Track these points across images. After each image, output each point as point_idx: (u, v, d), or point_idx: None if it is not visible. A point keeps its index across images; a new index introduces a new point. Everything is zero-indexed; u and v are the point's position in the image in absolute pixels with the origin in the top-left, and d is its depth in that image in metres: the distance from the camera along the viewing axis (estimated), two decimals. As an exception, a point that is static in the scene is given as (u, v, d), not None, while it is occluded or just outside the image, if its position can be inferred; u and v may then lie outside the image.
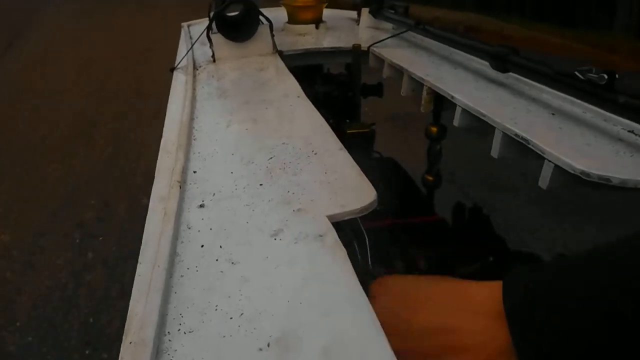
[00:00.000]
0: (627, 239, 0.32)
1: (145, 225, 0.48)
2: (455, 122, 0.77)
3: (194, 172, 0.59)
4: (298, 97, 0.81)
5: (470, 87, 0.81)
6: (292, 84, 0.88)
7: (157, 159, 0.62)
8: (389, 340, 0.36)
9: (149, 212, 0.51)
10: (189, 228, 0.48)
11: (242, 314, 0.37)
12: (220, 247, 0.45)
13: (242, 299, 0.38)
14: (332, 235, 0.45)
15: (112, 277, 2.29)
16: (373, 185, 0.53)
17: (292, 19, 1.33)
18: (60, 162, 3.46)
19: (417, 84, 0.91)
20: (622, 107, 0.57)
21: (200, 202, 0.52)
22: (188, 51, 1.09)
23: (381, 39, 1.14)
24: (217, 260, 0.43)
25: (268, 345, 0.34)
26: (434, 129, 0.95)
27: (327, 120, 0.71)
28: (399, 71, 0.98)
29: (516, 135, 0.62)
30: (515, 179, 2.79)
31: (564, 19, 7.18)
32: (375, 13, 1.32)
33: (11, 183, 3.18)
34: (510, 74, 0.81)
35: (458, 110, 0.76)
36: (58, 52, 6.77)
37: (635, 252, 0.31)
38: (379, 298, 0.43)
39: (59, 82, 5.42)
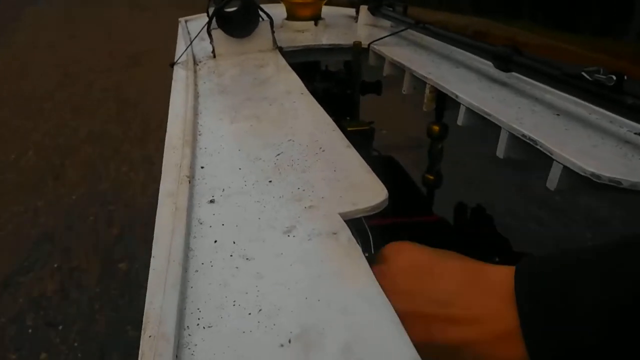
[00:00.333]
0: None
1: (156, 219, 0.48)
2: (459, 122, 0.77)
3: (202, 167, 0.58)
4: (301, 93, 0.81)
5: (474, 86, 0.81)
6: (294, 81, 0.87)
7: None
8: (395, 299, 0.36)
9: (158, 207, 0.50)
10: (201, 223, 0.47)
11: (260, 310, 0.36)
12: (234, 242, 0.44)
13: (259, 295, 0.38)
14: (346, 233, 0.45)
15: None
16: None
17: (291, 16, 1.32)
18: (23, 203, 2.82)
19: (419, 82, 0.91)
20: (631, 108, 0.57)
21: (210, 198, 0.52)
22: (188, 46, 1.08)
23: (380, 36, 1.14)
24: (231, 255, 0.43)
25: (289, 341, 0.34)
26: (436, 128, 0.95)
27: None
28: (399, 69, 0.98)
29: (523, 135, 0.63)
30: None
31: (585, 25, 6.39)
32: (373, 11, 1.31)
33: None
34: (513, 73, 0.82)
35: (462, 110, 0.76)
36: (38, 56, 6.24)
37: None
38: (392, 259, 0.43)
39: (35, 90, 4.89)
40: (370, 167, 0.57)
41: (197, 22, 1.40)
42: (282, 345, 0.33)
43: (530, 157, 0.64)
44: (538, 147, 0.60)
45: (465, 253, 0.42)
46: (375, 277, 0.40)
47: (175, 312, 0.35)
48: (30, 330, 1.88)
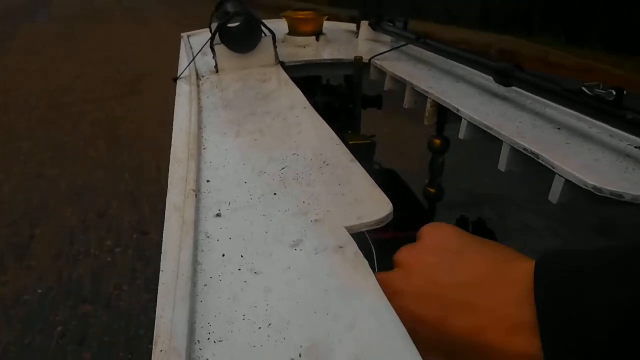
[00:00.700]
0: None
1: (164, 233, 0.48)
2: (461, 136, 0.78)
3: (208, 181, 0.59)
4: (304, 108, 0.82)
5: (475, 100, 0.82)
6: (297, 96, 0.88)
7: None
8: (418, 276, 0.37)
9: (166, 221, 0.51)
10: (208, 237, 0.48)
11: (270, 324, 0.37)
12: (242, 256, 0.45)
13: (269, 309, 0.38)
14: (353, 247, 0.45)
15: None
16: None
17: (293, 31, 1.34)
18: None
19: (420, 97, 0.92)
20: (631, 123, 0.58)
21: (217, 212, 0.52)
22: (191, 62, 1.09)
23: (380, 51, 1.15)
24: (239, 269, 0.43)
25: (300, 355, 0.34)
26: (438, 142, 0.96)
27: None
28: (400, 84, 0.99)
29: (525, 149, 0.63)
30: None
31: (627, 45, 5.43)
32: (374, 26, 1.33)
33: None
34: (513, 88, 0.83)
35: (464, 124, 0.77)
36: (26, 83, 5.63)
37: None
38: (426, 237, 0.43)
39: (15, 127, 4.26)
40: (374, 180, 0.57)
41: (199, 38, 1.41)
42: None
43: (532, 170, 0.64)
44: (540, 161, 0.61)
45: None
46: (407, 253, 0.41)
47: (186, 327, 0.36)
48: None
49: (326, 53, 1.24)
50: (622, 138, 0.65)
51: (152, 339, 0.36)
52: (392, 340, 0.35)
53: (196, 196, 0.54)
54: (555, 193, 0.59)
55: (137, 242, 2.54)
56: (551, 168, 0.59)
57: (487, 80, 0.88)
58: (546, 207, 2.52)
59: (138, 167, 3.38)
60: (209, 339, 0.36)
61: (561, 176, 0.57)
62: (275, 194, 0.55)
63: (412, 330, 0.37)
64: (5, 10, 11.91)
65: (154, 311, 0.38)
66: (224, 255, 0.45)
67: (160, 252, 0.43)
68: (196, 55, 1.11)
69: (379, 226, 0.49)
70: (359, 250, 0.45)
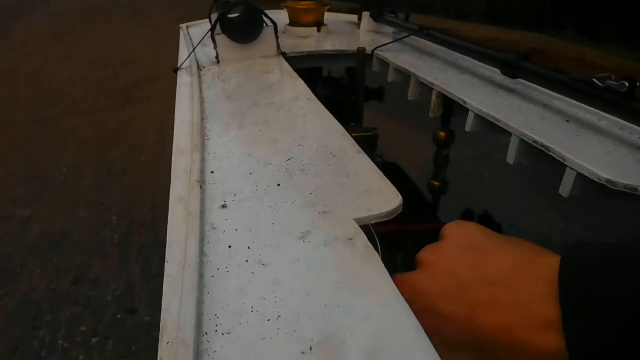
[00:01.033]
0: None
1: (168, 224, 0.47)
2: (468, 128, 0.77)
3: (212, 172, 0.58)
4: (309, 99, 0.80)
5: (481, 92, 0.81)
6: (301, 87, 0.87)
7: None
8: (444, 274, 0.37)
9: (170, 212, 0.50)
10: (214, 228, 0.47)
11: (279, 317, 0.36)
12: (249, 248, 0.44)
13: (278, 301, 0.37)
14: (362, 239, 0.44)
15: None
16: None
17: (294, 22, 1.32)
18: None
19: (425, 89, 0.90)
20: (645, 115, 0.57)
21: (222, 203, 0.51)
22: (192, 52, 1.07)
23: (382, 42, 1.14)
24: (246, 261, 0.42)
25: (310, 348, 0.33)
26: (443, 134, 0.95)
27: None
28: (404, 75, 0.98)
29: (535, 142, 0.62)
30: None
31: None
32: (376, 17, 1.32)
33: None
34: (519, 80, 0.81)
35: (471, 116, 0.76)
36: (14, 89, 4.98)
37: None
38: (450, 236, 0.42)
39: None
40: None
41: (198, 29, 1.40)
42: (303, 353, 0.33)
43: (542, 163, 0.63)
44: (551, 153, 0.59)
45: None
46: (430, 253, 0.40)
47: (194, 318, 0.35)
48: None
49: (328, 44, 1.22)
50: (633, 131, 0.64)
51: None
52: (405, 334, 0.34)
53: (201, 187, 0.53)
54: (566, 186, 0.58)
55: (122, 326, 1.90)
56: (562, 161, 0.58)
57: (492, 72, 0.87)
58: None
59: (129, 206, 2.75)
60: (216, 330, 0.35)
61: (573, 169, 0.56)
62: (281, 186, 0.54)
63: (439, 329, 0.36)
64: (1, 7, 11.33)
65: None
66: (230, 247, 0.44)
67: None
68: (197, 45, 1.10)
69: (388, 218, 0.48)
70: (369, 243, 0.44)
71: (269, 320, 0.35)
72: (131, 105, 4.50)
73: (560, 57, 4.98)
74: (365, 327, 0.35)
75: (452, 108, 0.88)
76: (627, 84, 0.59)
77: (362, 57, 1.10)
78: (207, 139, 0.67)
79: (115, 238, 2.46)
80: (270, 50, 1.08)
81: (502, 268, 0.37)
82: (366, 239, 0.44)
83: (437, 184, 0.99)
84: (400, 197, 0.50)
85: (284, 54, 1.09)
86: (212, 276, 0.40)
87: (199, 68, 1.02)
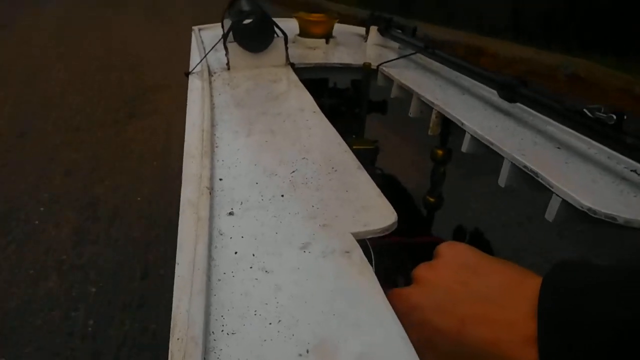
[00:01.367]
0: None
1: (179, 228, 0.51)
2: (464, 148, 0.80)
3: (220, 179, 0.61)
4: (314, 112, 0.84)
5: (479, 114, 0.84)
6: (307, 99, 0.90)
7: None
8: (437, 291, 0.40)
9: (180, 216, 0.53)
10: (221, 234, 0.50)
11: (280, 321, 0.39)
12: (253, 255, 0.47)
13: (279, 306, 0.41)
14: (358, 252, 0.48)
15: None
16: None
17: (304, 32, 1.36)
18: None
19: (426, 107, 0.94)
20: (630, 147, 0.60)
21: (230, 210, 0.55)
22: (203, 58, 1.11)
23: (388, 57, 1.17)
24: (251, 267, 0.45)
25: (307, 351, 0.36)
26: (440, 152, 0.98)
27: None
28: (407, 92, 1.02)
29: (525, 167, 0.66)
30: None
31: None
32: (383, 32, 1.35)
33: None
34: (517, 104, 0.85)
35: (467, 137, 0.79)
36: (1, 94, 4.33)
37: None
38: (443, 255, 0.45)
39: None
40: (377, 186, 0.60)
41: (210, 32, 1.43)
42: (300, 355, 0.36)
43: (531, 188, 0.67)
44: (539, 179, 0.63)
45: None
46: (425, 270, 0.44)
47: (202, 318, 0.38)
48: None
49: (335, 56, 1.26)
50: (619, 161, 0.67)
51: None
52: (393, 343, 0.38)
53: (210, 194, 0.57)
54: (551, 212, 0.61)
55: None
56: (549, 187, 0.61)
57: (492, 93, 0.90)
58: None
59: (113, 270, 2.15)
60: (222, 330, 0.38)
61: (558, 195, 0.60)
62: (285, 197, 0.58)
63: (432, 341, 0.40)
64: None
65: None
66: (236, 253, 0.47)
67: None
68: (208, 51, 1.13)
69: (383, 234, 0.52)
70: (364, 256, 0.47)
71: (270, 323, 0.39)
72: (133, 121, 3.86)
73: (603, 87, 4.40)
74: (357, 334, 0.38)
75: (450, 127, 0.91)
76: (614, 117, 0.63)
77: (368, 72, 1.14)
78: (216, 146, 0.71)
79: (88, 325, 1.86)
80: (280, 59, 1.12)
81: (492, 285, 0.40)
82: (362, 252, 0.48)
83: (432, 199, 1.03)
84: (395, 214, 0.54)
85: (292, 64, 1.13)
86: (219, 280, 0.44)
87: (210, 73, 1.05)
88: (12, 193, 2.78)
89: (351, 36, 1.50)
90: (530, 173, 0.65)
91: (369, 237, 0.51)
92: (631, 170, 0.65)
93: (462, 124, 0.80)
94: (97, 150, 3.35)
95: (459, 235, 0.91)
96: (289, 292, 0.42)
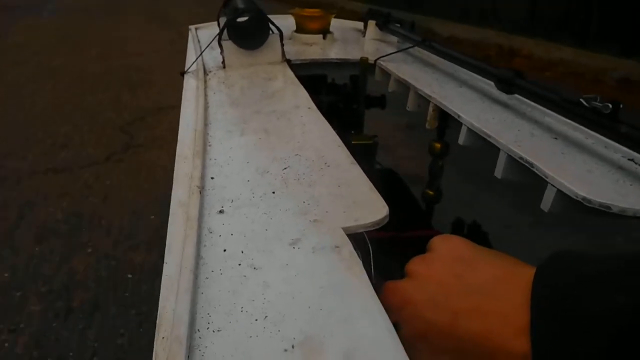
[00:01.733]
0: None
1: (168, 227, 0.51)
2: (460, 141, 0.80)
3: (212, 178, 0.61)
4: (309, 108, 0.83)
5: (476, 106, 0.84)
6: (302, 95, 0.90)
7: None
8: (430, 283, 0.40)
9: (170, 216, 0.53)
10: (211, 232, 0.50)
11: (266, 317, 0.39)
12: (242, 252, 0.47)
13: (266, 302, 0.40)
14: (348, 247, 0.47)
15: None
16: None
17: (300, 29, 1.35)
18: None
19: (423, 100, 0.93)
20: (624, 136, 0.60)
21: (220, 208, 0.54)
22: (198, 57, 1.11)
23: (387, 52, 1.16)
24: (239, 264, 0.45)
25: (292, 347, 0.36)
26: (438, 145, 0.98)
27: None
28: (404, 86, 1.01)
29: (521, 158, 0.65)
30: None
31: None
32: (381, 26, 1.34)
33: None
34: (515, 95, 0.84)
35: (464, 130, 0.79)
36: None
37: None
38: (436, 248, 0.45)
39: None
40: (372, 180, 0.59)
41: (207, 31, 1.43)
42: (285, 350, 0.36)
43: (527, 179, 0.66)
44: (534, 170, 0.62)
45: None
46: (418, 263, 0.43)
47: (188, 316, 0.38)
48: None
49: (332, 52, 1.25)
50: (616, 150, 0.67)
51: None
52: (380, 338, 0.37)
53: (200, 193, 0.56)
54: (547, 202, 0.60)
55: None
56: (544, 177, 0.61)
57: (490, 85, 0.89)
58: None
59: None
60: (208, 328, 0.38)
61: (553, 186, 0.59)
62: (277, 194, 0.57)
63: (425, 335, 0.39)
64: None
65: None
66: (225, 250, 0.47)
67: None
68: (203, 50, 1.13)
69: (374, 228, 0.51)
70: (354, 251, 0.47)
71: (256, 320, 0.39)
72: (127, 157, 3.17)
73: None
74: (344, 329, 0.38)
75: (447, 121, 0.91)
76: (610, 106, 0.62)
77: (365, 67, 1.13)
78: (209, 145, 0.71)
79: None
80: (275, 57, 1.11)
81: (484, 278, 0.39)
82: (352, 247, 0.47)
83: (431, 193, 1.02)
84: (386, 207, 0.53)
85: (288, 61, 1.12)
86: (207, 278, 0.43)
87: (205, 72, 1.05)
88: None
89: (349, 31, 1.50)
90: (525, 164, 0.64)
91: (359, 231, 0.51)
92: (628, 159, 0.64)
93: (459, 116, 0.80)
94: (77, 204, 2.63)
95: (457, 227, 0.91)
96: (277, 288, 0.42)
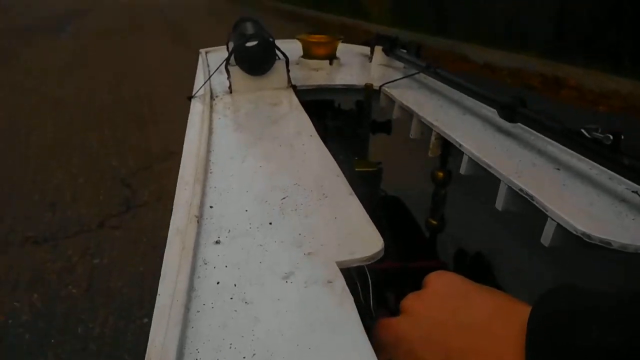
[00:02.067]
0: None
1: (164, 257, 0.50)
2: (462, 171, 0.79)
3: (211, 207, 0.61)
4: (310, 136, 0.84)
5: (478, 135, 0.83)
6: (305, 122, 0.90)
7: None
8: (425, 320, 0.40)
9: (167, 245, 0.53)
10: (205, 264, 0.50)
11: (254, 355, 0.38)
12: (235, 285, 0.46)
13: (254, 339, 0.40)
14: (341, 282, 0.47)
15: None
16: (379, 225, 0.55)
17: (307, 54, 1.36)
18: None
19: (427, 128, 0.93)
20: (627, 168, 0.59)
21: (216, 239, 0.54)
22: (205, 82, 1.12)
23: (392, 78, 1.17)
24: (231, 298, 0.45)
25: None
26: (440, 174, 0.97)
27: (337, 156, 0.74)
28: (408, 113, 1.01)
29: (521, 190, 0.64)
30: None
31: None
32: (387, 52, 1.35)
33: None
34: (518, 124, 0.84)
35: (465, 159, 0.78)
36: None
37: None
38: (431, 284, 0.45)
39: None
40: (376, 208, 0.59)
41: (216, 55, 1.44)
42: None
43: (528, 211, 0.65)
44: (534, 202, 0.62)
45: None
46: (413, 300, 0.44)
47: (175, 352, 0.38)
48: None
49: (338, 77, 1.26)
50: (620, 181, 0.66)
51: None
52: None
53: (198, 222, 0.56)
54: (547, 237, 0.60)
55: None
56: (544, 211, 0.60)
57: (493, 112, 0.89)
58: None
59: None
60: None
61: (553, 220, 0.58)
62: (273, 225, 0.57)
63: None
64: (35, 19, 10.21)
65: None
66: (218, 283, 0.47)
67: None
68: (210, 75, 1.14)
69: (369, 262, 0.51)
70: (346, 286, 0.46)
71: (244, 357, 0.38)
72: (125, 222, 2.61)
73: None
74: None
75: (450, 149, 0.90)
76: (611, 137, 0.61)
77: (369, 93, 1.13)
78: (210, 172, 0.71)
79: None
80: (281, 82, 1.12)
81: (481, 315, 0.39)
82: (344, 282, 0.47)
83: (434, 222, 1.02)
84: (382, 242, 0.53)
85: (294, 87, 1.13)
86: (198, 311, 0.43)
87: (212, 97, 1.06)
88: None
89: (356, 56, 1.50)
90: (525, 196, 0.64)
91: (354, 265, 0.51)
92: (632, 192, 0.64)
93: (461, 145, 0.79)
94: (54, 296, 2.04)
95: (460, 258, 0.90)
96: (267, 323, 0.42)
